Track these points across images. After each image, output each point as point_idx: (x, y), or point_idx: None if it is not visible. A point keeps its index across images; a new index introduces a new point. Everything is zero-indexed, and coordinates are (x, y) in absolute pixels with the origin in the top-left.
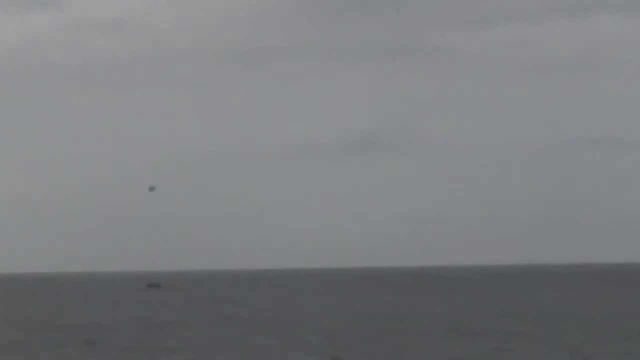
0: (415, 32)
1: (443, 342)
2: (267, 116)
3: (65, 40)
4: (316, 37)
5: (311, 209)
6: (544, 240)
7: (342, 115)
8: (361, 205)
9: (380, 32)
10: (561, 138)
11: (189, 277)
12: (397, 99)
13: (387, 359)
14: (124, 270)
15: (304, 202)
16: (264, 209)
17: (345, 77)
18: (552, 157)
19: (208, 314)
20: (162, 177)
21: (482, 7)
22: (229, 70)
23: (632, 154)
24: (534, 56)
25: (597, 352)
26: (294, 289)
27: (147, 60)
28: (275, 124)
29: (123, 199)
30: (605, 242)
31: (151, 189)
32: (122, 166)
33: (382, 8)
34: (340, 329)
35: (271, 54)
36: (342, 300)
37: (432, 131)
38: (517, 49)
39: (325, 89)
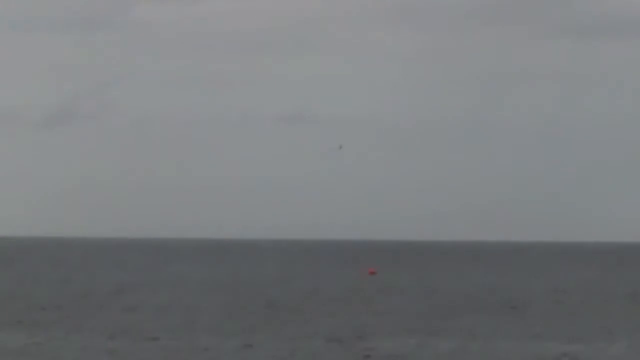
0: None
1: None
2: None
3: None
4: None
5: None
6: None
7: (32, 86)
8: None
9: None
10: (256, 113)
11: None
12: (88, 71)
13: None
14: None
15: None
16: None
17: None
18: (247, 133)
19: None
20: None
21: None
22: None
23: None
24: (227, 31)
25: None
26: None
27: None
28: None
29: None
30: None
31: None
32: None
33: None
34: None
35: None
36: None
37: (121, 104)
38: (208, 24)
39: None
